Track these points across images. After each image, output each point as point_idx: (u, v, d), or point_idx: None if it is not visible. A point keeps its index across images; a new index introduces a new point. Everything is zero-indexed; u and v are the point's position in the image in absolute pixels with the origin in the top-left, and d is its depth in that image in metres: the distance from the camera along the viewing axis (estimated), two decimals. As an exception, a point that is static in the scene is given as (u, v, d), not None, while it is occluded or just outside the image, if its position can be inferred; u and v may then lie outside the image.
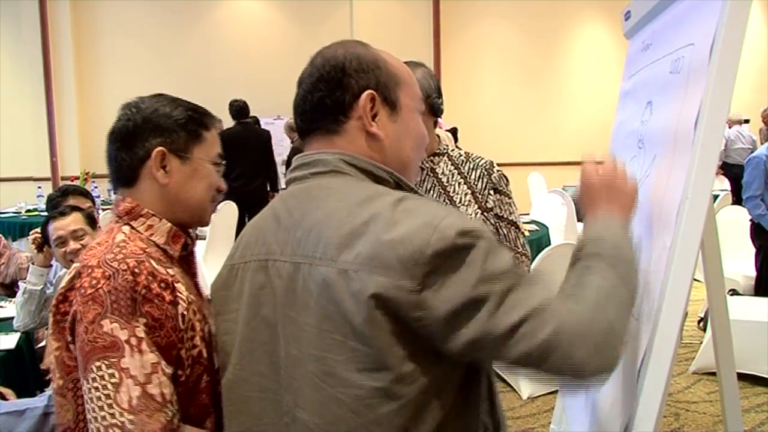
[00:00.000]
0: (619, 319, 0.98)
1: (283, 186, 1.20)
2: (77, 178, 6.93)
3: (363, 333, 0.89)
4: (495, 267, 0.90)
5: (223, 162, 1.36)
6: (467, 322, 0.89)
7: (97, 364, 1.07)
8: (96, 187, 6.59)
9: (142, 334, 1.09)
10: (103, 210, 6.00)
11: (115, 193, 1.34)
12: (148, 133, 1.25)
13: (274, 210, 1.09)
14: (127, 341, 1.08)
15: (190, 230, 1.36)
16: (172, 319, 1.14)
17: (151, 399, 1.07)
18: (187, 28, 9.50)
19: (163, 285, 1.14)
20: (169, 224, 1.27)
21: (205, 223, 1.36)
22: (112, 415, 1.06)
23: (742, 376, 3.85)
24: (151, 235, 1.25)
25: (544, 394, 3.63)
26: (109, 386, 1.06)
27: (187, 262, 1.34)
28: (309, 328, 0.95)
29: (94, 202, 3.71)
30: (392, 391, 0.90)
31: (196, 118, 1.30)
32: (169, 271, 1.20)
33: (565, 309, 0.93)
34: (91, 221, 2.76)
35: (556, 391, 2.11)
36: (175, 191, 1.27)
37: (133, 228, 1.24)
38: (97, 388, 1.07)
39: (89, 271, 1.13)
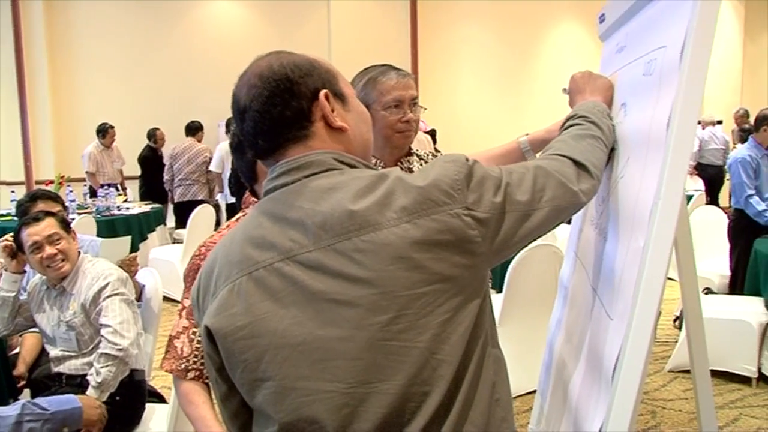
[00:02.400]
0: (597, 147, 1.30)
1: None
2: (52, 182, 6.83)
3: (436, 271, 0.98)
4: (493, 169, 1.10)
5: None
6: (510, 208, 1.06)
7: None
8: (71, 191, 6.51)
9: (186, 304, 1.61)
10: (79, 214, 5.94)
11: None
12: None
13: (268, 213, 1.07)
14: (179, 306, 1.65)
15: None
16: None
17: (173, 348, 1.62)
18: (164, 30, 9.45)
19: None
20: None
21: None
22: None
23: (717, 374, 3.91)
24: None
25: (522, 394, 3.65)
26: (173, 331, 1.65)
27: None
28: (364, 300, 0.97)
29: (64, 207, 3.67)
30: (461, 311, 1.01)
31: None
32: None
33: (554, 159, 1.21)
34: (65, 225, 2.74)
35: (534, 391, 2.13)
36: None
37: (245, 214, 1.60)
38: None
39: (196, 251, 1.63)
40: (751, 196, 4.72)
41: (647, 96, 1.29)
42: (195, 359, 1.59)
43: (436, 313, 0.98)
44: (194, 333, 1.58)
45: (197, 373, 1.59)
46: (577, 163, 1.20)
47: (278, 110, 1.08)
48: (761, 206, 4.68)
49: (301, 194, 1.05)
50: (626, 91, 1.47)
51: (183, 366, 1.59)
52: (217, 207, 7.53)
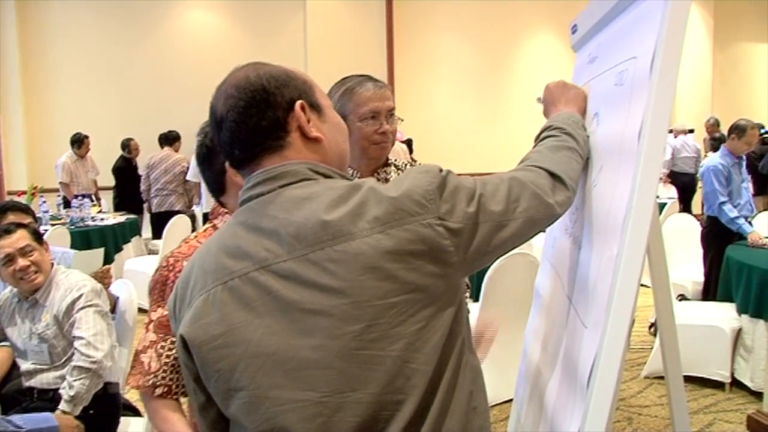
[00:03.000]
0: (573, 159, 1.31)
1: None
2: (24, 192, 6.74)
3: (408, 281, 0.98)
4: (467, 179, 1.11)
5: None
6: (483, 218, 1.07)
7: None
8: (44, 202, 6.42)
9: (154, 317, 1.51)
10: (52, 225, 5.85)
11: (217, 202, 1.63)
12: (217, 152, 1.46)
13: (244, 223, 1.08)
14: (147, 320, 1.52)
15: None
16: None
17: (140, 363, 1.51)
18: (139, 39, 9.37)
19: None
20: None
21: None
22: None
23: (691, 379, 3.96)
24: None
25: (500, 403, 3.65)
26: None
27: None
28: (337, 310, 0.97)
29: (35, 218, 3.62)
30: (435, 320, 1.01)
31: None
32: None
33: (530, 170, 1.21)
34: (38, 237, 2.70)
35: (511, 400, 2.13)
36: None
37: (213, 225, 1.58)
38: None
39: (162, 262, 1.53)
40: (724, 203, 4.80)
41: (619, 106, 1.31)
42: (164, 374, 1.51)
43: (409, 322, 0.98)
44: (162, 347, 1.50)
45: (165, 389, 1.50)
46: (553, 175, 1.21)
47: (254, 120, 1.09)
48: (734, 213, 4.76)
49: (276, 204, 1.05)
50: (599, 100, 1.48)
51: (150, 381, 1.50)
52: (193, 217, 7.47)
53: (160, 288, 1.44)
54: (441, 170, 1.08)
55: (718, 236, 4.81)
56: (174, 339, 1.23)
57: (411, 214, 1.00)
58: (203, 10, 9.65)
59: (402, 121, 1.95)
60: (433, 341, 1.00)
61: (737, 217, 4.75)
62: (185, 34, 9.55)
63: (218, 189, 1.55)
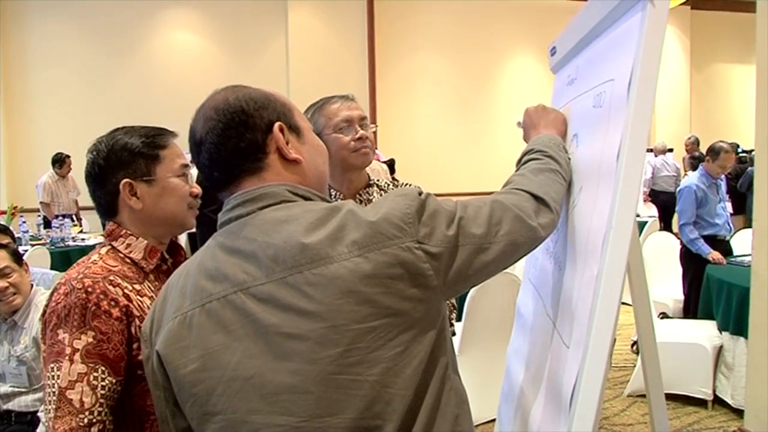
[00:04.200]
0: (556, 181, 1.31)
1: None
2: (4, 212, 6.66)
3: (387, 305, 0.97)
4: (448, 203, 1.10)
5: (189, 167, 1.48)
6: (463, 241, 1.06)
7: (51, 365, 1.26)
8: (24, 222, 6.35)
9: (79, 346, 1.26)
10: (32, 246, 5.79)
11: (105, 224, 1.50)
12: (111, 170, 1.39)
13: (223, 246, 1.08)
14: (68, 350, 1.26)
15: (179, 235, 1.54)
16: (120, 333, 1.28)
17: (67, 402, 1.23)
18: (121, 59, 9.36)
19: (112, 303, 1.29)
20: (146, 241, 1.43)
21: (189, 227, 1.50)
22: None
23: (674, 397, 3.97)
24: (130, 252, 1.41)
25: (482, 423, 3.64)
26: (56, 385, 1.24)
27: (170, 274, 1.40)
28: (314, 334, 0.96)
29: (13, 238, 3.58)
30: (414, 344, 1.00)
31: (150, 142, 1.42)
32: (135, 287, 1.36)
33: (513, 193, 1.21)
34: (17, 258, 2.67)
35: (494, 420, 2.13)
36: (150, 212, 1.41)
37: (113, 247, 1.42)
38: (51, 385, 1.25)
39: (59, 287, 1.33)
40: (685, 224, 4.93)
41: (597, 127, 1.32)
42: (100, 409, 1.25)
43: (387, 346, 0.97)
44: (96, 378, 1.25)
45: (101, 427, 1.25)
46: (536, 197, 1.21)
47: (233, 142, 1.10)
48: (694, 234, 4.90)
49: (254, 226, 1.05)
50: (578, 122, 1.50)
51: (86, 420, 1.23)
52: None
53: (80, 313, 1.26)
54: (420, 193, 1.07)
55: (696, 255, 4.88)
56: (104, 368, 1.24)
57: (389, 237, 0.99)
58: (186, 30, 9.66)
59: (376, 127, 1.97)
60: (413, 365, 0.99)
61: (696, 239, 4.87)
62: (168, 54, 9.56)
63: (109, 210, 1.44)
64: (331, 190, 1.90)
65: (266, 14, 9.79)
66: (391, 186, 2.00)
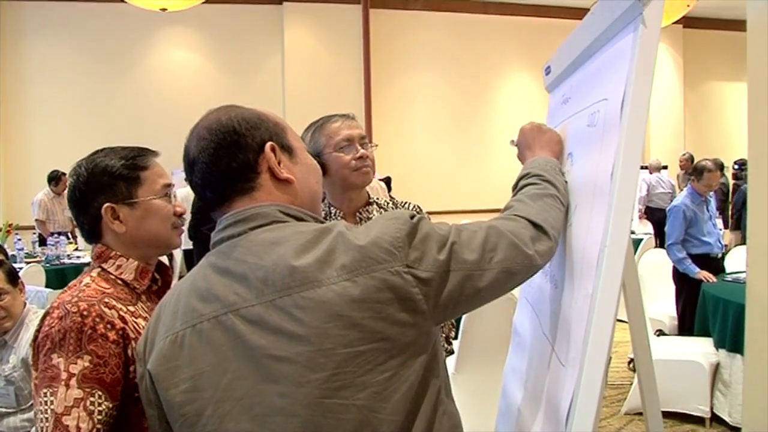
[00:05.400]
0: (554, 207, 1.29)
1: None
2: (-1, 230, 6.65)
3: (375, 330, 0.96)
4: (442, 226, 1.10)
5: (171, 186, 1.47)
6: (455, 266, 1.04)
7: (44, 391, 1.23)
8: (20, 239, 6.34)
9: (75, 371, 1.23)
10: (27, 263, 5.77)
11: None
12: (92, 195, 1.38)
13: (215, 266, 1.08)
14: (63, 375, 1.23)
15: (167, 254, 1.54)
16: (116, 356, 1.27)
17: (63, 429, 1.19)
18: (118, 77, 9.39)
19: (109, 326, 1.27)
20: (136, 262, 1.42)
21: (175, 246, 1.49)
22: None
23: (671, 414, 3.96)
24: (121, 273, 1.40)
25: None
26: (49, 411, 1.21)
27: (161, 294, 1.39)
28: (302, 357, 0.95)
29: (6, 256, 3.57)
30: (404, 369, 0.99)
31: (131, 164, 1.40)
32: (129, 308, 1.35)
33: (510, 219, 1.19)
34: (11, 278, 2.65)
35: (491, 438, 2.12)
36: (134, 234, 1.40)
37: (104, 269, 1.40)
38: (43, 411, 1.22)
39: (52, 311, 1.30)
40: (673, 244, 4.93)
41: (592, 146, 1.33)
42: None
43: (376, 371, 0.96)
44: (92, 403, 1.23)
45: None
46: (535, 225, 1.19)
47: (225, 162, 1.10)
48: (681, 254, 4.90)
49: (245, 247, 1.06)
50: (572, 141, 1.51)
51: None
52: (170, 255, 7.38)
53: (75, 337, 1.24)
54: (412, 217, 1.07)
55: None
56: (101, 393, 1.23)
57: (378, 261, 0.99)
58: (183, 48, 9.71)
59: (377, 146, 1.98)
60: (402, 391, 0.98)
61: (683, 258, 4.87)
62: (165, 72, 9.59)
63: (94, 234, 1.44)
64: (332, 208, 1.91)
65: (262, 33, 9.85)
66: (390, 204, 2.01)
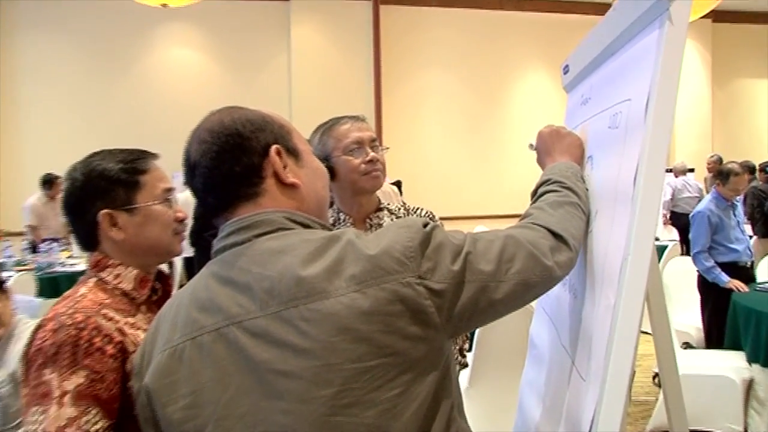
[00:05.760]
0: (575, 215, 1.30)
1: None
2: (-13, 236, 6.70)
3: (385, 344, 0.96)
4: (457, 235, 1.09)
5: (173, 190, 1.47)
6: (470, 277, 1.04)
7: (34, 408, 1.21)
8: (10, 246, 6.37)
9: (69, 387, 1.21)
10: (17, 271, 5.79)
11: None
12: (88, 200, 1.38)
13: (217, 275, 1.08)
14: (56, 392, 1.21)
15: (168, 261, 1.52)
16: (114, 372, 1.25)
17: None
18: (116, 76, 9.45)
19: (106, 339, 1.26)
20: (136, 271, 1.41)
21: (176, 254, 1.49)
22: None
23: (698, 434, 3.92)
24: (119, 283, 1.40)
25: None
26: (39, 430, 1.19)
27: (162, 305, 1.35)
28: (308, 373, 0.95)
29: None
30: (415, 386, 0.98)
31: (129, 168, 1.40)
32: (128, 320, 1.34)
33: (529, 228, 1.19)
34: (-1, 286, 2.66)
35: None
36: (133, 242, 1.40)
37: (101, 279, 1.39)
38: (33, 431, 1.19)
39: (45, 323, 1.28)
40: (699, 253, 4.85)
41: (613, 149, 1.33)
42: None
43: (385, 387, 0.96)
44: (87, 422, 1.21)
45: None
46: (555, 234, 1.20)
47: (228, 166, 1.10)
48: (709, 262, 4.81)
49: (249, 256, 1.05)
50: (592, 144, 1.51)
51: None
52: (170, 263, 7.41)
53: (70, 351, 1.22)
54: (425, 225, 1.06)
55: (716, 284, 4.80)
56: (97, 411, 1.21)
57: (389, 272, 0.98)
58: (184, 46, 9.76)
59: (388, 149, 1.99)
60: (413, 408, 0.98)
61: (712, 267, 4.79)
62: (165, 70, 9.65)
63: (90, 242, 1.43)
64: (341, 214, 1.92)
65: (268, 29, 9.90)
66: (401, 210, 2.01)
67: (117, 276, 1.40)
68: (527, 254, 1.12)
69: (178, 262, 7.74)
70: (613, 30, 1.43)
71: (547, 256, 1.14)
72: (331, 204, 1.93)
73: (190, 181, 1.15)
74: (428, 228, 1.06)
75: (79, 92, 9.30)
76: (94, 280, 1.39)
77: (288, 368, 0.96)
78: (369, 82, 10.03)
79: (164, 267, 1.58)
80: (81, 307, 1.30)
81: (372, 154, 1.86)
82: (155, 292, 1.47)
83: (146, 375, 1.08)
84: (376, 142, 1.90)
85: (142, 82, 9.55)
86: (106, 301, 1.35)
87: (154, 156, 1.47)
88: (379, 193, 1.99)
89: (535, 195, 1.39)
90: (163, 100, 9.48)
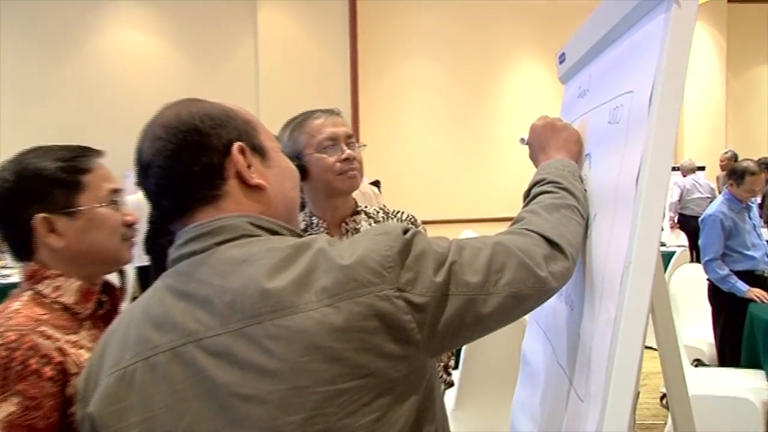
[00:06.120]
0: (572, 220, 1.30)
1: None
2: None
3: (360, 365, 0.95)
4: (441, 242, 1.09)
5: (120, 191, 1.45)
6: (455, 290, 1.04)
7: None
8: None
9: None
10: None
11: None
12: (21, 203, 1.35)
13: (172, 288, 1.07)
14: None
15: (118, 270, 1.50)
16: (53, 397, 1.22)
17: None
18: (58, 63, 9.36)
19: (43, 360, 1.23)
20: (78, 282, 1.39)
21: (125, 262, 1.46)
22: None
23: (710, 460, 3.93)
24: (60, 296, 1.37)
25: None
26: None
27: (110, 319, 1.34)
28: (274, 397, 0.94)
29: None
30: (393, 410, 0.98)
31: (70, 166, 1.38)
32: (70, 338, 1.31)
33: (521, 234, 1.20)
34: None
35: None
36: (76, 249, 1.38)
37: (37, 292, 1.36)
38: None
39: None
40: (712, 260, 4.81)
41: (613, 146, 1.35)
42: None
43: (361, 412, 0.95)
44: None
45: None
46: (550, 241, 1.20)
47: (185, 166, 1.10)
48: (724, 270, 4.77)
49: (209, 266, 1.05)
50: (591, 140, 1.53)
51: None
52: (121, 272, 7.33)
53: (1, 375, 1.19)
54: (406, 231, 1.06)
55: (729, 293, 4.77)
56: None
57: (365, 284, 0.98)
58: (137, 29, 9.66)
59: (365, 146, 1.99)
60: None
61: (728, 276, 4.74)
62: (116, 57, 9.54)
63: (24, 251, 1.40)
64: (313, 218, 1.93)
65: (232, 13, 9.83)
66: (380, 213, 2.02)
67: (56, 288, 1.37)
68: (519, 264, 1.12)
69: (131, 271, 7.68)
70: (614, 14, 1.44)
71: (540, 265, 1.14)
72: (303, 207, 1.93)
73: (143, 182, 1.14)
74: (409, 235, 1.05)
75: (19, 80, 9.18)
76: (29, 293, 1.37)
77: (252, 392, 0.95)
78: (345, 72, 10.00)
79: (113, 277, 1.56)
80: (14, 325, 1.26)
81: (348, 151, 1.86)
82: (101, 306, 1.45)
83: (91, 401, 1.06)
84: (352, 138, 1.91)
85: (89, 69, 9.44)
86: (44, 316, 1.32)
87: (98, 153, 1.45)
88: (356, 194, 1.99)
89: (528, 196, 1.39)
90: (114, 90, 9.39)
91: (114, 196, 1.43)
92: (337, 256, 1.01)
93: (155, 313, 1.05)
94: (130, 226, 1.45)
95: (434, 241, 1.09)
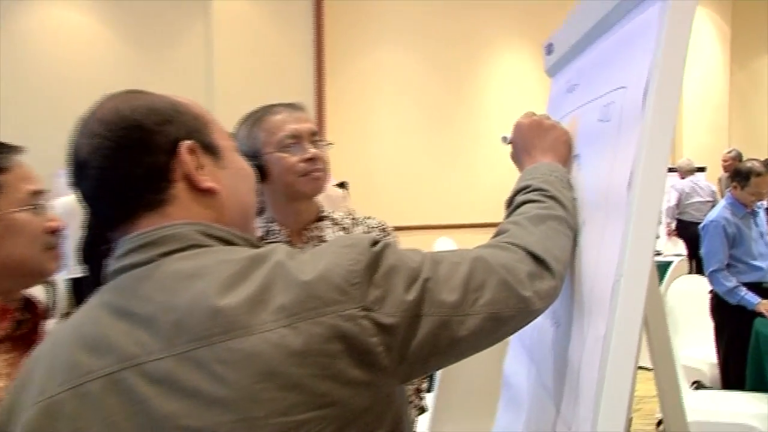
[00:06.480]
0: (560, 233, 1.31)
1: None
2: None
3: (321, 393, 0.94)
4: (414, 255, 1.09)
5: (42, 193, 1.43)
6: (428, 310, 1.04)
7: None
8: None
9: None
10: None
11: None
12: None
13: (110, 305, 1.04)
14: None
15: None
16: None
17: None
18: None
19: None
20: None
21: (48, 274, 1.45)
22: None
23: (711, 492, 3.96)
24: None
25: None
26: None
27: (30, 340, 1.34)
28: (224, 429, 0.92)
29: None
30: None
31: None
32: None
33: (503, 249, 1.20)
34: None
35: None
36: None
37: None
38: None
39: None
40: (717, 271, 4.81)
41: (604, 147, 1.36)
42: None
43: None
44: None
45: None
46: (535, 257, 1.20)
47: (126, 167, 1.08)
48: (731, 282, 4.77)
49: (153, 281, 1.03)
50: (580, 140, 1.54)
51: None
52: (49, 285, 7.24)
53: None
54: (374, 243, 1.05)
55: (735, 308, 4.77)
56: None
57: (327, 303, 0.97)
58: (69, 8, 9.38)
59: (331, 145, 1.99)
60: None
61: (736, 287, 4.74)
62: (44, 39, 9.27)
63: None
64: (273, 225, 1.93)
65: (180, -7, 9.74)
66: (348, 219, 2.03)
67: None
68: (499, 282, 1.12)
69: (61, 284, 7.58)
70: (607, 3, 1.45)
71: (524, 284, 1.15)
72: (261, 212, 1.93)
73: (78, 183, 1.12)
74: (378, 247, 1.05)
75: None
76: None
77: (199, 424, 0.93)
78: (308, 62, 9.97)
79: (38, 292, 1.54)
80: None
81: (312, 150, 1.87)
82: (21, 326, 1.42)
83: None
84: (317, 135, 1.91)
85: (10, 52, 9.22)
86: None
87: (16, 150, 1.43)
88: (321, 198, 1.99)
89: (511, 205, 1.40)
90: (40, 77, 9.15)
91: (35, 199, 1.41)
92: (297, 270, 1.00)
93: (89, 333, 1.03)
94: (54, 232, 1.43)
95: (406, 254, 1.08)
